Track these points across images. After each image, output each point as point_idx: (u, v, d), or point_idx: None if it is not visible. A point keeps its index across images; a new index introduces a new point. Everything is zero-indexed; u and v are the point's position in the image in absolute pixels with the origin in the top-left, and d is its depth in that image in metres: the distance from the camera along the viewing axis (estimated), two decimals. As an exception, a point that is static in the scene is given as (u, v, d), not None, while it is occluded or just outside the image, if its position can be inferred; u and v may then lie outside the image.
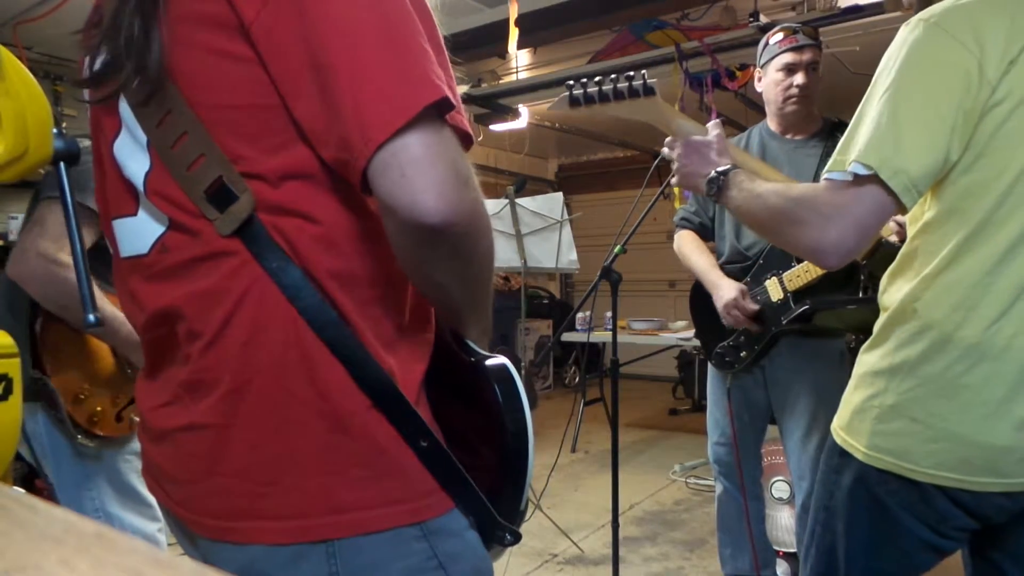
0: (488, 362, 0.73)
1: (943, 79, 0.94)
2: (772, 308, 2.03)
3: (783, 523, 2.60)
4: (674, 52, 4.14)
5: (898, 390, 1.02)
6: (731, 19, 3.91)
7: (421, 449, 0.67)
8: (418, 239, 0.62)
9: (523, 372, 5.31)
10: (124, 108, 0.70)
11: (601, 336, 4.00)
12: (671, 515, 3.45)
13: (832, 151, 1.02)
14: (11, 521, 0.34)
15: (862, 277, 1.82)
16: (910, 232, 1.07)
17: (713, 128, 1.30)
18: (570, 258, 3.65)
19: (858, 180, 0.96)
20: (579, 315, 4.05)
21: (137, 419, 1.50)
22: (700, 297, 2.22)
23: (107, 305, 1.35)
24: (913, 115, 0.95)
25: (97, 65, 0.70)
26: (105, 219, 0.79)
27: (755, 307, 2.03)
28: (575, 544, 3.03)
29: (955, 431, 0.98)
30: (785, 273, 2.00)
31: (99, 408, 1.45)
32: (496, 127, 5.55)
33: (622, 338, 4.08)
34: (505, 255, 3.69)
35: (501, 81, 5.07)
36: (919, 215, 1.05)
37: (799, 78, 1.99)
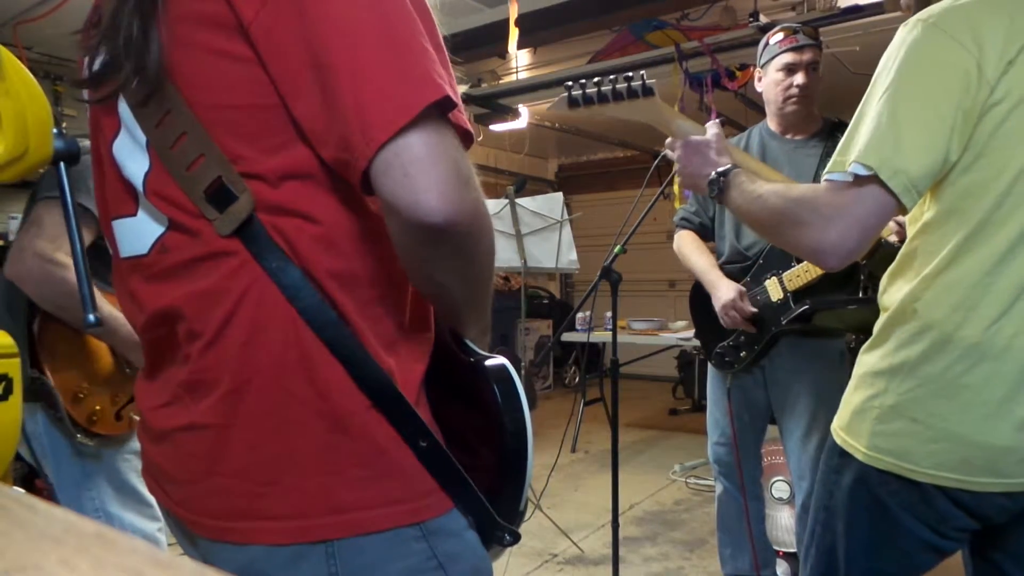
0: (487, 362, 0.73)
1: (942, 79, 0.94)
2: (772, 308, 2.03)
3: (783, 523, 2.60)
4: (674, 52, 4.14)
5: (898, 390, 1.02)
6: (731, 19, 3.91)
7: (420, 449, 0.67)
8: (420, 238, 0.62)
9: (523, 372, 5.31)
10: (123, 108, 0.70)
11: (601, 336, 4.00)
12: (671, 515, 3.45)
13: (832, 151, 1.02)
14: (11, 521, 0.34)
15: (862, 277, 1.82)
16: (910, 232, 1.07)
17: (711, 127, 1.30)
18: (570, 258, 3.65)
19: (858, 181, 0.96)
20: (579, 315, 4.05)
21: (136, 418, 1.50)
22: (700, 297, 2.22)
23: (105, 305, 1.35)
24: (912, 115, 0.95)
25: (96, 65, 0.70)
26: (105, 219, 0.79)
27: (753, 309, 2.04)
28: (575, 544, 3.03)
29: (955, 431, 0.98)
30: (785, 273, 2.00)
31: (98, 407, 1.45)
32: (496, 127, 5.55)
33: (622, 338, 4.08)
34: (505, 255, 3.69)
35: (501, 81, 5.07)
36: (919, 215, 1.05)
37: (799, 78, 1.99)
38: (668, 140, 1.34)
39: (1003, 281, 0.96)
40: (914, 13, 1.01)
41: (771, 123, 2.14)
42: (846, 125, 1.04)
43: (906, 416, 1.01)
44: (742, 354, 2.13)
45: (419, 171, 0.59)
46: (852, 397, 1.10)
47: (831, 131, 2.05)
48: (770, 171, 1.43)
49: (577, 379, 6.92)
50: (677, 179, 1.33)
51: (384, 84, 0.59)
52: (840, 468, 1.11)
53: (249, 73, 0.63)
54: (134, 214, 0.72)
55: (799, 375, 2.06)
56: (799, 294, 1.98)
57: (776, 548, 2.50)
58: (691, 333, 3.29)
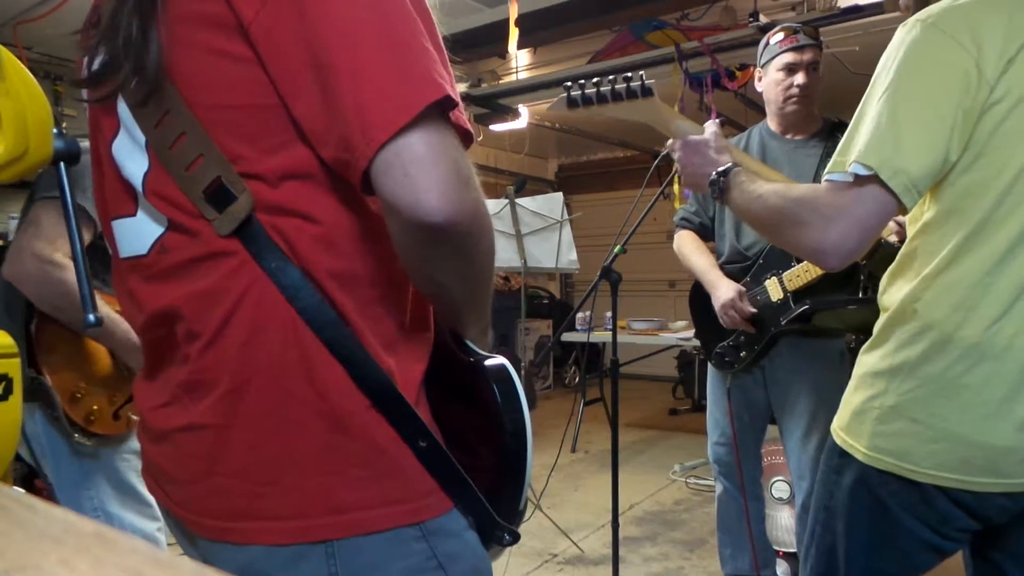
0: (487, 362, 0.73)
1: (941, 79, 0.94)
2: (772, 308, 2.03)
3: (783, 523, 2.60)
4: (674, 52, 4.14)
5: (898, 391, 1.02)
6: (731, 19, 3.91)
7: (420, 449, 0.67)
8: (421, 238, 0.62)
9: (523, 372, 5.31)
10: (122, 108, 0.70)
11: (601, 336, 4.00)
12: (671, 515, 3.45)
13: (832, 151, 1.02)
14: (11, 521, 0.34)
15: (862, 277, 1.82)
16: (910, 232, 1.07)
17: (710, 126, 1.30)
18: (570, 258, 3.65)
19: (858, 181, 0.96)
20: (579, 315, 4.05)
21: (135, 417, 1.50)
22: (700, 297, 2.22)
23: (103, 306, 1.35)
24: (912, 115, 0.95)
25: (95, 65, 0.70)
26: (104, 219, 0.79)
27: (752, 310, 2.04)
28: (575, 544, 3.03)
29: (956, 431, 0.98)
30: (785, 273, 2.00)
31: (96, 407, 1.45)
32: (496, 127, 5.55)
33: (622, 338, 4.08)
34: (505, 255, 3.69)
35: (501, 81, 5.07)
36: (919, 215, 1.05)
37: (799, 78, 1.99)
38: (669, 141, 1.34)
39: (1003, 281, 0.96)
40: (913, 13, 1.01)
41: (771, 123, 2.14)
42: (846, 125, 1.04)
43: (906, 416, 1.01)
44: (742, 354, 2.13)
45: (419, 171, 0.59)
46: (852, 397, 1.10)
47: (831, 131, 2.05)
48: (769, 171, 1.43)
49: (577, 379, 6.92)
50: (678, 179, 1.33)
51: (384, 84, 0.59)
52: (840, 468, 1.11)
53: (249, 73, 0.63)
54: (133, 214, 0.72)
55: (799, 375, 2.06)
56: (799, 294, 1.98)
57: (776, 548, 2.50)
58: (691, 333, 3.29)
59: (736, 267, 2.13)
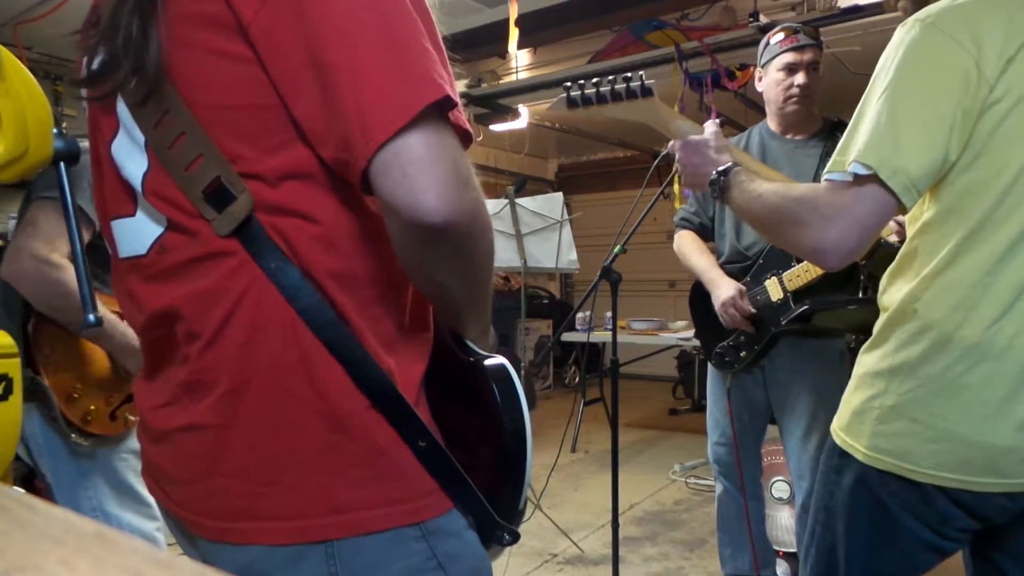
0: (486, 362, 0.73)
1: (941, 79, 0.94)
2: (772, 308, 2.03)
3: (783, 523, 2.60)
4: (674, 52, 4.14)
5: (898, 391, 1.02)
6: (731, 19, 3.91)
7: (420, 449, 0.67)
8: (420, 238, 0.62)
9: (523, 372, 5.31)
10: (122, 108, 0.70)
11: (601, 336, 4.00)
12: (671, 515, 3.45)
13: (832, 151, 1.02)
14: (11, 521, 0.34)
15: (862, 277, 1.82)
16: (909, 232, 1.07)
17: (709, 126, 1.30)
18: (570, 258, 3.65)
19: (858, 180, 0.96)
20: (579, 315, 4.05)
21: (132, 418, 1.50)
22: (700, 297, 2.22)
23: (102, 308, 1.35)
24: (912, 115, 0.95)
25: (95, 65, 0.70)
26: (104, 220, 0.79)
27: (752, 309, 2.04)
28: (575, 544, 3.03)
29: (955, 431, 0.98)
30: (785, 273, 2.00)
31: (93, 407, 1.45)
32: (496, 127, 5.55)
33: (622, 338, 4.08)
34: (505, 255, 3.69)
35: (501, 81, 5.07)
36: (918, 215, 1.05)
37: (800, 78, 1.99)
38: (671, 142, 1.34)
39: (1003, 280, 0.96)
40: (911, 14, 1.01)
41: (771, 123, 2.14)
42: (846, 125, 1.04)
43: (906, 416, 1.01)
44: (742, 354, 2.13)
45: (418, 171, 0.59)
46: (852, 397, 1.10)
47: (831, 131, 2.05)
48: (769, 170, 1.43)
49: (577, 379, 6.92)
50: (678, 179, 1.33)
51: (384, 84, 0.59)
52: (840, 468, 1.11)
53: (248, 73, 0.63)
54: (133, 214, 0.72)
55: (799, 375, 2.06)
56: (799, 294, 1.98)
57: (776, 548, 2.50)
58: (691, 333, 3.29)
59: (736, 267, 2.13)
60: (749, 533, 2.22)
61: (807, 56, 1.99)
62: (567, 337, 4.43)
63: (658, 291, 7.48)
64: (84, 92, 0.73)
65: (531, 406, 0.72)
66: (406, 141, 0.59)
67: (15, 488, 0.63)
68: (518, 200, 3.60)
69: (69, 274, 1.34)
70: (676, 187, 4.14)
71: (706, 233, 2.27)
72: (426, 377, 0.72)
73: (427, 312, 0.75)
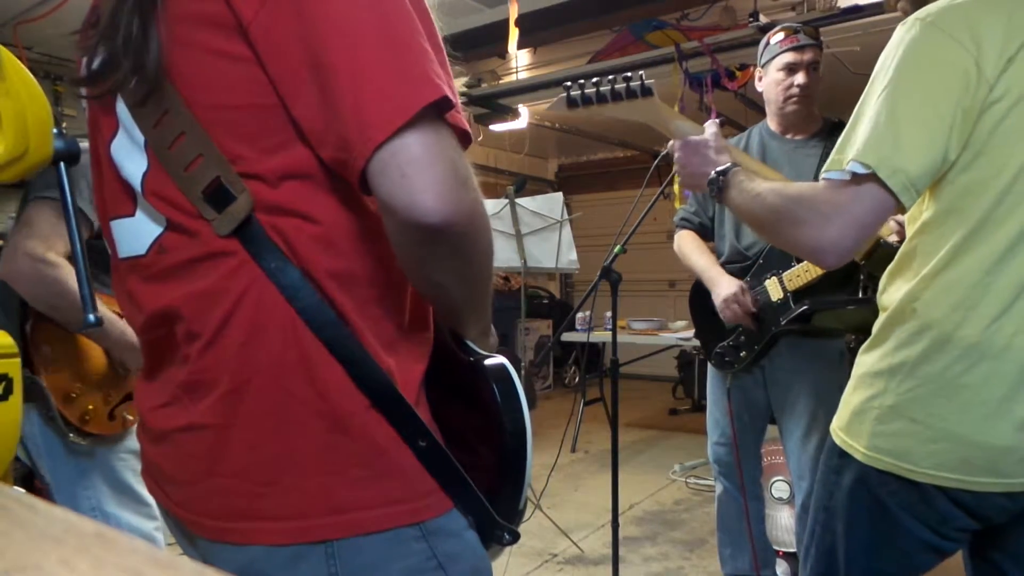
0: (487, 362, 0.73)
1: (941, 78, 0.94)
2: (772, 308, 2.03)
3: (783, 523, 2.60)
4: (674, 52, 4.14)
5: (898, 391, 1.02)
6: (731, 19, 3.91)
7: (420, 449, 0.67)
8: (417, 239, 0.62)
9: (523, 372, 5.31)
10: (121, 108, 0.70)
11: (601, 336, 4.00)
12: (671, 515, 3.45)
13: (832, 151, 1.02)
14: (11, 521, 0.34)
15: (861, 277, 1.82)
16: (909, 232, 1.07)
17: (709, 127, 1.30)
18: (570, 258, 3.65)
19: (856, 179, 0.96)
20: (579, 315, 4.05)
21: (130, 417, 1.50)
22: (700, 297, 2.22)
23: (100, 306, 1.35)
24: (911, 114, 0.95)
25: (95, 64, 0.70)
26: (103, 220, 0.79)
27: (754, 308, 2.03)
28: (575, 544, 3.03)
29: (955, 431, 0.98)
30: (785, 273, 2.00)
31: (91, 406, 1.45)
32: (496, 127, 5.55)
33: (622, 338, 4.08)
34: (505, 255, 3.69)
35: (501, 81, 5.07)
36: (917, 214, 1.05)
37: (800, 78, 1.99)
38: (670, 142, 1.34)
39: (1003, 280, 0.96)
40: (911, 14, 1.01)
41: (771, 123, 2.14)
42: (846, 125, 1.04)
43: (906, 416, 1.01)
44: (742, 354, 2.13)
45: (416, 171, 0.59)
46: (851, 397, 1.10)
47: (831, 131, 2.05)
48: (768, 171, 1.43)
49: (577, 379, 6.92)
50: (678, 179, 1.33)
51: (383, 84, 0.59)
52: (840, 468, 1.11)
53: (248, 73, 0.63)
54: (132, 214, 0.72)
55: (799, 375, 2.06)
56: (799, 294, 1.98)
57: (776, 548, 2.50)
58: (691, 333, 3.29)
59: (736, 267, 2.13)
60: (749, 533, 2.22)
61: (807, 56, 1.99)
62: (567, 337, 4.43)
63: (658, 291, 7.48)
64: (83, 91, 0.73)
65: (531, 406, 0.72)
66: (404, 141, 0.59)
67: (15, 488, 0.63)
68: (518, 200, 3.60)
69: (65, 272, 1.34)
70: (676, 187, 4.14)
71: (706, 233, 2.27)
72: (426, 377, 0.72)
73: (427, 312, 0.75)
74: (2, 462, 0.95)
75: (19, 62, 0.84)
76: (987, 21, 0.94)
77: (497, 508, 0.72)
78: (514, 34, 3.61)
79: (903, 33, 0.99)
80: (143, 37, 0.64)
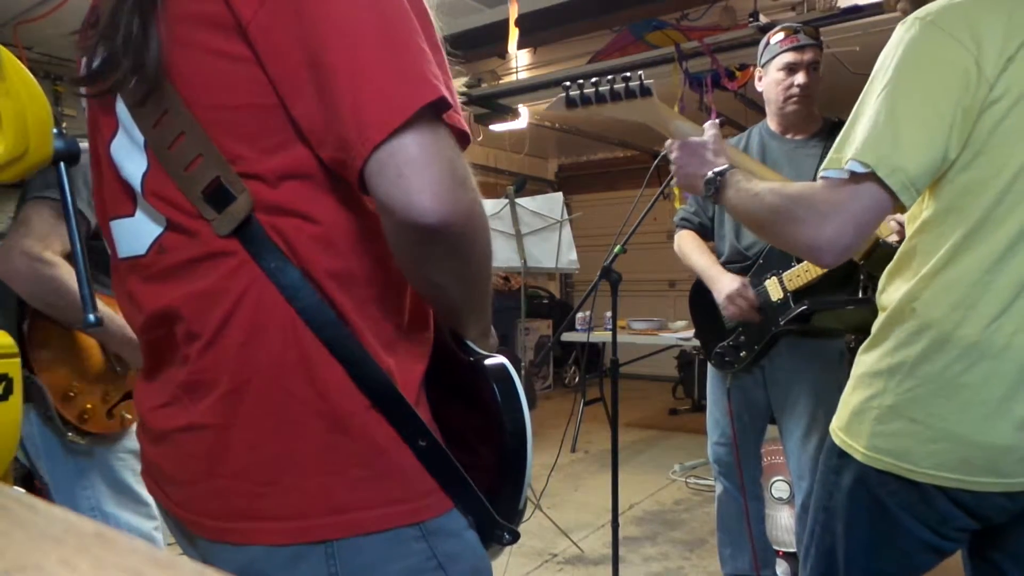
0: (487, 362, 0.73)
1: (941, 77, 0.94)
2: (772, 308, 2.03)
3: (783, 523, 2.60)
4: (674, 52, 4.14)
5: (897, 390, 1.02)
6: (731, 19, 3.91)
7: (420, 449, 0.67)
8: (415, 239, 0.62)
9: (523, 372, 5.31)
10: (121, 108, 0.70)
11: (601, 336, 4.00)
12: (671, 515, 3.45)
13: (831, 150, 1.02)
14: (11, 521, 0.34)
15: (861, 277, 1.82)
16: (908, 231, 1.07)
17: (709, 128, 1.30)
18: (570, 258, 3.65)
19: (855, 178, 0.96)
20: (579, 315, 4.05)
21: (129, 416, 1.50)
22: (700, 297, 2.22)
23: (99, 304, 1.35)
24: (911, 113, 0.95)
25: (95, 64, 0.70)
26: (103, 220, 0.79)
27: (757, 301, 2.03)
28: (575, 544, 3.03)
29: (955, 431, 0.98)
30: (785, 273, 2.00)
31: (89, 405, 1.45)
32: (496, 127, 5.55)
33: (622, 338, 4.08)
34: (505, 255, 3.69)
35: (501, 81, 5.07)
36: (917, 214, 1.05)
37: (800, 77, 1.99)
38: (667, 142, 1.34)
39: (1002, 279, 0.96)
40: (910, 13, 1.01)
41: (771, 123, 2.14)
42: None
43: (905, 416, 1.01)
44: (742, 354, 2.12)
45: (413, 172, 0.59)
46: (851, 397, 1.10)
47: (831, 131, 2.05)
48: (767, 171, 1.43)
49: (577, 379, 6.92)
50: (674, 179, 1.33)
51: (381, 84, 0.59)
52: (839, 469, 1.11)
53: (248, 73, 0.63)
54: (132, 214, 0.72)
55: (799, 375, 2.06)
56: (799, 294, 1.98)
57: (776, 548, 2.50)
58: (691, 333, 3.29)
59: (736, 267, 2.13)
60: (749, 533, 2.22)
61: (807, 56, 1.99)
62: (567, 337, 4.43)
63: (658, 291, 7.48)
64: (83, 90, 0.73)
65: (531, 406, 0.72)
66: (401, 142, 0.59)
67: (16, 488, 0.63)
68: (518, 200, 3.60)
69: (62, 271, 1.34)
70: (676, 187, 4.14)
71: (706, 233, 2.27)
72: (426, 377, 0.72)
73: (427, 312, 0.75)
74: (2, 462, 0.95)
75: (19, 62, 0.84)
76: (987, 20, 0.94)
77: (497, 508, 0.72)
78: (514, 34, 3.61)
79: (903, 32, 0.98)
80: (143, 36, 0.64)
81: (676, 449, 4.66)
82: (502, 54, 4.24)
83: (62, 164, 0.91)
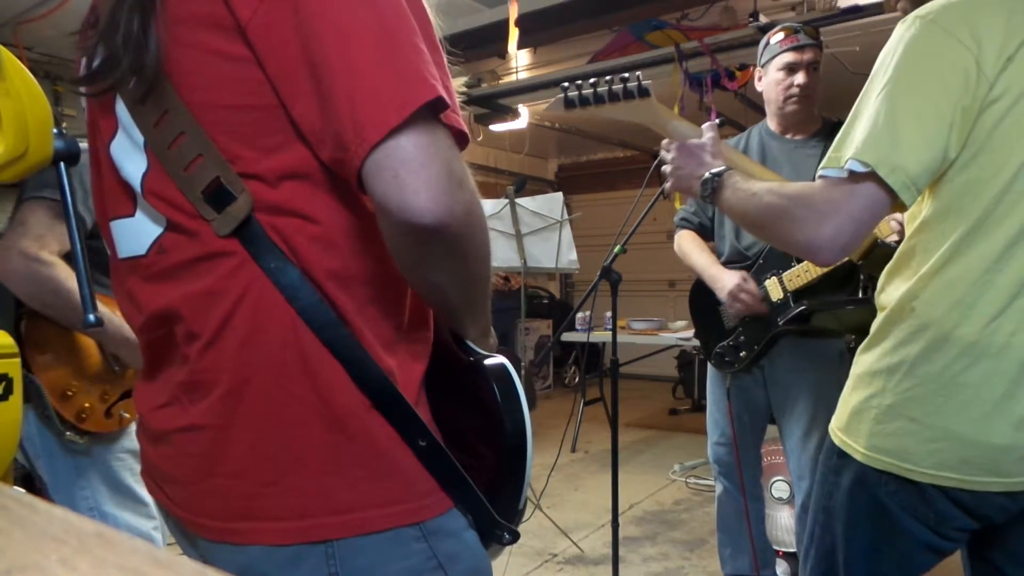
0: (487, 361, 0.73)
1: (941, 76, 0.94)
2: (772, 308, 2.03)
3: (783, 523, 2.60)
4: (674, 52, 4.14)
5: (896, 390, 1.02)
6: (731, 19, 3.91)
7: (420, 449, 0.67)
8: (412, 240, 0.62)
9: (523, 372, 5.31)
10: (121, 109, 0.70)
11: (601, 336, 4.00)
12: (671, 515, 3.45)
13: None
14: (11, 520, 0.34)
15: (862, 277, 1.82)
16: (908, 230, 1.07)
17: (707, 130, 1.30)
18: (570, 258, 3.65)
19: (854, 177, 0.96)
20: (579, 315, 4.05)
21: (127, 415, 1.50)
22: (700, 297, 2.22)
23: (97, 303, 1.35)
24: (911, 112, 0.95)
25: (95, 63, 0.69)
26: (103, 220, 0.79)
27: (760, 292, 2.02)
28: (575, 544, 3.03)
29: (954, 430, 0.98)
30: (785, 273, 2.00)
31: (87, 404, 1.45)
32: (496, 127, 5.55)
33: (622, 338, 4.07)
34: (505, 255, 3.69)
35: (501, 81, 5.07)
36: (916, 213, 1.05)
37: (800, 77, 1.99)
38: (664, 141, 1.34)
39: (1002, 278, 0.96)
40: (910, 12, 1.01)
41: (771, 123, 2.14)
42: (845, 124, 1.04)
43: (904, 415, 1.01)
44: (742, 354, 2.13)
45: (409, 172, 0.59)
46: (850, 397, 1.10)
47: (831, 131, 2.05)
48: (765, 171, 1.43)
49: (577, 379, 6.92)
50: (669, 181, 1.32)
51: (378, 84, 0.59)
52: (839, 469, 1.11)
53: (247, 73, 0.63)
54: (132, 215, 0.72)
55: (799, 375, 2.06)
56: (799, 294, 1.98)
57: (776, 548, 2.50)
58: (691, 333, 3.29)
59: (736, 267, 2.13)
60: (749, 533, 2.22)
61: (807, 56, 1.99)
62: (567, 337, 4.43)
63: (658, 291, 7.48)
64: (83, 90, 0.72)
65: (531, 406, 0.72)
66: (398, 142, 0.59)
67: (16, 488, 0.63)
68: (518, 200, 3.60)
69: (59, 271, 1.34)
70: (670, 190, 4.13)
71: (706, 233, 2.27)
72: (426, 377, 0.72)
73: (427, 312, 0.75)
74: (3, 462, 0.95)
75: (19, 62, 0.84)
76: (987, 19, 0.94)
77: (497, 508, 0.72)
78: (514, 34, 3.61)
79: (903, 31, 0.98)
80: (142, 35, 0.64)
81: (676, 449, 4.66)
82: (502, 54, 4.24)
83: (62, 164, 0.91)
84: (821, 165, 1.00)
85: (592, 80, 1.32)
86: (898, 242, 1.13)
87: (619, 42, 4.42)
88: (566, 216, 3.61)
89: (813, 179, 1.03)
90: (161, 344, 0.72)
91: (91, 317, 0.92)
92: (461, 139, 0.65)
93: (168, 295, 0.69)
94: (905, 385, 1.01)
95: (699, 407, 5.70)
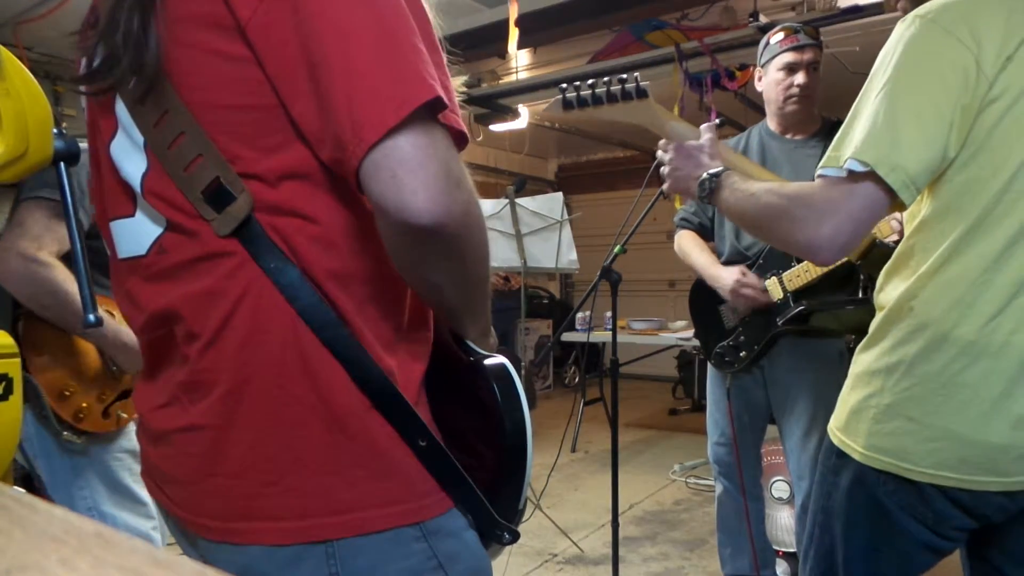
0: (487, 361, 0.73)
1: (941, 76, 0.94)
2: (772, 308, 2.03)
3: (783, 523, 2.60)
4: (674, 52, 4.14)
5: (895, 389, 1.02)
6: (731, 19, 3.91)
7: (420, 449, 0.67)
8: (409, 240, 0.62)
9: (523, 372, 5.31)
10: (120, 109, 0.70)
11: (601, 336, 4.00)
12: (671, 515, 3.45)
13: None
14: (11, 520, 0.34)
15: (861, 277, 1.82)
16: (907, 230, 1.07)
17: (705, 132, 1.30)
18: (570, 258, 3.65)
19: (853, 176, 0.96)
20: (579, 315, 4.05)
21: (124, 415, 1.50)
22: (700, 296, 2.22)
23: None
24: (911, 111, 0.95)
25: (95, 63, 0.69)
26: (103, 221, 0.79)
27: (763, 284, 2.02)
28: (575, 544, 3.03)
29: (953, 430, 0.98)
30: (785, 273, 2.00)
31: (84, 404, 1.45)
32: (496, 127, 5.55)
33: (622, 338, 4.08)
34: (505, 255, 3.70)
35: (501, 81, 5.07)
36: (916, 212, 1.05)
37: (800, 77, 1.99)
38: (661, 142, 1.34)
39: (1000, 278, 0.96)
40: (910, 12, 1.01)
41: (771, 123, 2.14)
42: (845, 124, 1.04)
43: (903, 415, 1.01)
44: (742, 354, 2.13)
45: (407, 172, 0.59)
46: (849, 397, 1.10)
47: (831, 131, 2.04)
48: (763, 172, 1.43)
49: (577, 379, 6.92)
50: (666, 182, 1.32)
51: (376, 83, 0.59)
52: (838, 469, 1.11)
53: (247, 73, 0.63)
54: (132, 215, 0.72)
55: (799, 375, 2.06)
56: (799, 294, 1.98)
57: (776, 548, 2.50)
58: (691, 333, 3.29)
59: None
60: (749, 533, 2.22)
61: (807, 56, 1.99)
62: (567, 337, 4.43)
63: (658, 291, 7.49)
64: (83, 89, 0.72)
65: (531, 406, 0.72)
66: (396, 142, 0.59)
67: (16, 488, 0.63)
68: (518, 200, 3.60)
69: (57, 272, 1.34)
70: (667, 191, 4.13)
71: (706, 233, 2.28)
72: (426, 377, 0.72)
73: (427, 312, 0.75)
74: (3, 461, 0.95)
75: (19, 62, 0.84)
76: (987, 19, 0.94)
77: (497, 508, 0.72)
78: (514, 34, 3.61)
79: (903, 30, 0.98)
80: (142, 34, 0.64)
81: (676, 449, 4.66)
82: (502, 54, 4.24)
83: (62, 164, 0.91)
84: (820, 164, 1.00)
85: (590, 81, 1.32)
86: (897, 242, 1.13)
87: (619, 42, 4.42)
88: (566, 216, 3.61)
89: (813, 179, 1.03)
90: (161, 344, 0.72)
91: (91, 317, 0.92)
92: (460, 139, 0.65)
93: (168, 295, 0.69)
94: (904, 384, 1.01)
95: (699, 407, 5.70)
